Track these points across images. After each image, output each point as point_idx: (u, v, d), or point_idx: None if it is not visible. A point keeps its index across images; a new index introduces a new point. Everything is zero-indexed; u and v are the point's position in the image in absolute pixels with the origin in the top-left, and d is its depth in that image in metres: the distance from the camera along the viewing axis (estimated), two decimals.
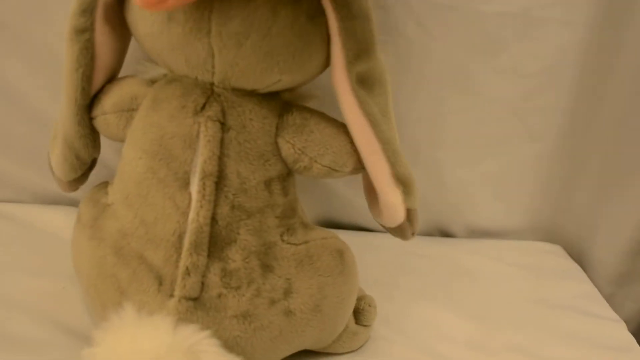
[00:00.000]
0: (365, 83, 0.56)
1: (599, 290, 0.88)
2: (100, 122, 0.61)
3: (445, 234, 0.96)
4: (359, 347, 0.69)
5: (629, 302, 0.93)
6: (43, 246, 0.78)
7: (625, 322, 0.82)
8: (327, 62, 0.56)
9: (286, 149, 0.58)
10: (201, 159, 0.54)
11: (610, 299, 0.88)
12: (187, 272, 0.55)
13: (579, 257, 0.95)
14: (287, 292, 0.57)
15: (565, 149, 0.88)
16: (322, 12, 0.52)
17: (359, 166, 0.60)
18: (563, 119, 0.85)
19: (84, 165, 0.64)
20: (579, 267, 0.93)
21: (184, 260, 0.55)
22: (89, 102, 0.60)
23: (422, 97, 0.81)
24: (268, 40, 0.50)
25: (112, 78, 0.61)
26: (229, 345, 0.55)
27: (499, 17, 0.75)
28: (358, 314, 0.67)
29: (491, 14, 0.75)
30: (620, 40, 0.78)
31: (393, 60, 0.74)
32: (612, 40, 0.78)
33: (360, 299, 0.68)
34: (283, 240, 0.59)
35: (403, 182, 0.58)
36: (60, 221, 0.81)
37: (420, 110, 0.82)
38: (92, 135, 0.62)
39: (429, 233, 0.95)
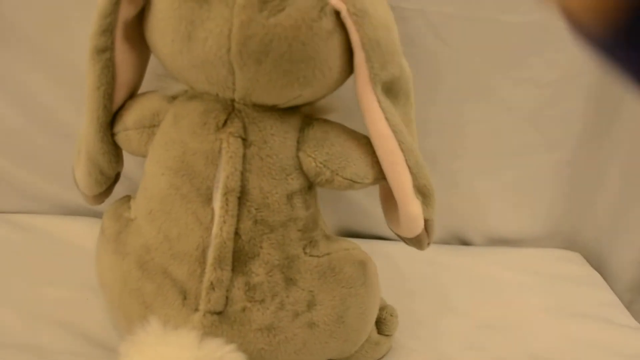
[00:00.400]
0: (390, 92, 0.56)
1: (619, 298, 0.87)
2: (122, 138, 0.61)
3: (464, 242, 0.96)
4: (382, 357, 0.70)
5: None
6: (66, 257, 0.79)
7: None
8: (347, 74, 0.56)
9: (307, 163, 0.58)
10: (223, 174, 0.55)
11: (629, 307, 0.87)
12: (212, 287, 0.55)
13: (598, 265, 0.95)
14: (311, 305, 0.57)
15: (584, 156, 0.88)
16: (341, 26, 0.52)
17: (380, 177, 0.59)
18: (582, 126, 0.85)
19: (108, 180, 0.65)
20: (598, 275, 0.92)
21: (208, 275, 0.55)
22: (110, 119, 0.60)
23: (441, 107, 0.81)
24: (288, 57, 0.50)
25: (132, 94, 0.62)
26: (253, 358, 0.56)
27: (517, 27, 0.75)
28: (380, 324, 0.67)
29: (510, 24, 0.74)
30: None
31: (411, 71, 0.75)
32: None
33: (381, 309, 0.68)
34: (305, 253, 0.59)
35: (423, 193, 0.58)
36: (82, 232, 0.82)
37: (438, 120, 0.82)
38: (115, 151, 0.62)
39: (447, 242, 0.95)
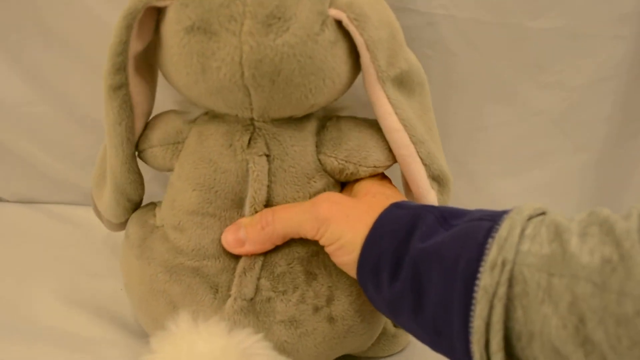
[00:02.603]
0: (403, 86, 0.58)
1: None
2: (147, 155, 0.64)
3: None
4: (401, 350, 0.72)
5: None
6: (102, 247, 0.84)
7: None
8: (354, 76, 0.59)
9: (330, 163, 0.61)
10: (251, 190, 0.59)
11: None
12: (244, 272, 0.60)
13: None
14: (330, 299, 0.61)
15: (612, 158, 0.87)
16: (342, 34, 0.54)
17: None
18: (609, 129, 0.84)
19: (134, 206, 0.68)
20: None
21: (242, 263, 0.60)
22: (134, 150, 0.63)
23: (467, 110, 0.81)
24: (298, 72, 0.53)
25: (148, 118, 0.64)
26: (276, 350, 0.58)
27: (545, 33, 0.74)
28: None
29: (538, 29, 0.74)
30: None
31: (439, 76, 0.74)
32: None
33: None
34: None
35: (438, 182, 0.62)
36: None
37: (464, 123, 0.82)
38: (140, 179, 0.65)
39: None
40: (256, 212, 0.59)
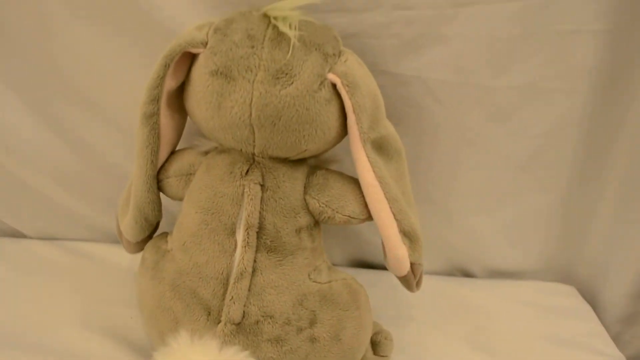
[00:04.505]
0: (381, 150, 0.67)
1: (608, 329, 0.94)
2: (164, 185, 0.74)
3: (466, 274, 1.04)
4: None
5: (635, 340, 0.99)
6: (114, 279, 0.91)
7: (631, 359, 0.88)
8: (343, 134, 0.68)
9: (312, 204, 0.70)
10: (245, 213, 0.67)
11: (617, 337, 0.95)
12: (232, 301, 0.67)
13: (591, 298, 1.01)
14: (312, 322, 0.68)
15: (575, 198, 0.94)
16: (337, 95, 0.64)
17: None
18: (572, 171, 0.92)
19: (150, 227, 0.76)
20: (589, 308, 0.99)
21: (230, 291, 0.67)
22: (156, 173, 0.72)
23: (440, 157, 0.89)
24: (296, 119, 0.63)
25: (173, 150, 0.74)
26: None
27: (506, 90, 0.82)
28: (375, 346, 0.77)
29: (499, 87, 0.82)
30: (623, 102, 0.85)
31: (414, 127, 0.82)
32: (613, 103, 0.85)
33: (377, 333, 0.78)
34: (310, 279, 0.70)
35: (409, 238, 0.69)
36: (129, 258, 0.89)
37: (438, 169, 0.90)
38: (158, 201, 0.74)
39: (450, 273, 1.03)
40: (249, 236, 0.66)
